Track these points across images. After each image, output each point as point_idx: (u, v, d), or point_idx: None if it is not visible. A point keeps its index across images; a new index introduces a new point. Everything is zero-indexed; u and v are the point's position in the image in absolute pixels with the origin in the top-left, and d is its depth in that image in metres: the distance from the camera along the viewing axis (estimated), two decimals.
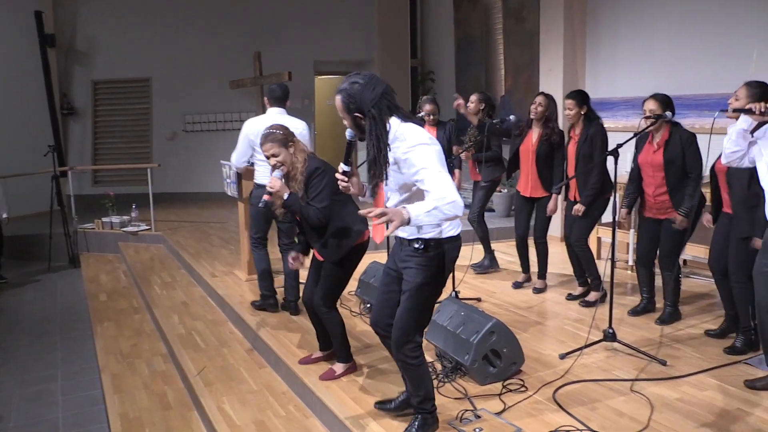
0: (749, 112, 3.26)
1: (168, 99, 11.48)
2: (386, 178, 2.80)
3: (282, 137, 3.65)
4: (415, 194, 2.78)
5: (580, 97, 4.88)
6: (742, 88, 3.71)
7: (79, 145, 11.54)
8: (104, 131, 11.67)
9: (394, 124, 2.75)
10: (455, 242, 2.92)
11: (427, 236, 2.84)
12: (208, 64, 11.28)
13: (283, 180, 3.64)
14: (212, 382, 4.24)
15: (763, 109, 3.20)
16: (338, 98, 2.79)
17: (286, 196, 3.56)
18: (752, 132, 3.36)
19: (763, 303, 3.42)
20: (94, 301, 6.72)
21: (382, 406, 3.36)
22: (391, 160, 2.75)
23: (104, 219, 9.12)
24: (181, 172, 11.47)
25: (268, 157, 3.66)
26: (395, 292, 3.03)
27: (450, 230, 2.88)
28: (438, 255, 2.87)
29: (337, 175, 2.89)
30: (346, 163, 2.88)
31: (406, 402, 3.27)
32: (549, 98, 5.15)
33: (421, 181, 2.64)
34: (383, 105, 2.74)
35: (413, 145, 2.67)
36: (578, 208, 4.83)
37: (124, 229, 8.96)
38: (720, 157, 4.01)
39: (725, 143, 3.47)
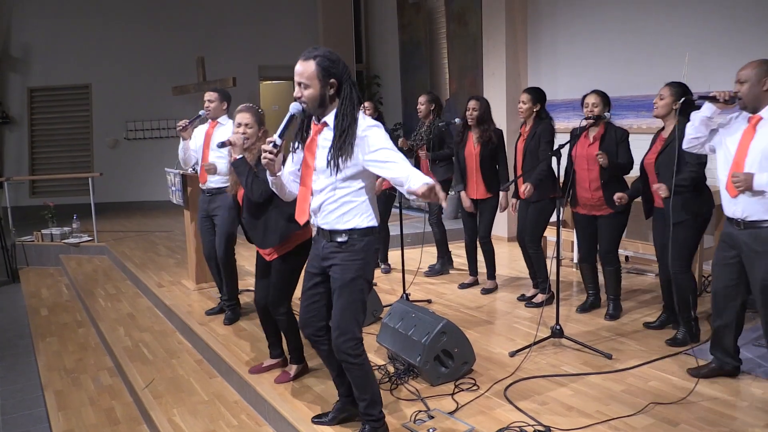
0: (713, 99, 3.35)
1: (109, 106, 11.20)
2: (349, 155, 2.72)
3: (260, 116, 3.82)
4: (351, 176, 2.77)
5: (536, 93, 4.94)
6: (665, 88, 4.05)
7: (15, 154, 11.15)
8: (42, 140, 11.30)
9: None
10: (374, 233, 2.89)
11: (348, 227, 2.81)
12: (150, 69, 11.06)
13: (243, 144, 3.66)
14: (162, 394, 4.15)
15: (727, 97, 3.30)
16: (312, 62, 2.70)
17: (238, 156, 3.54)
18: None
19: (720, 292, 3.53)
20: (36, 316, 6.49)
21: (320, 420, 3.28)
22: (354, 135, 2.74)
23: (44, 231, 8.81)
24: (124, 180, 11.21)
25: (239, 125, 3.71)
26: (321, 293, 2.98)
27: (370, 220, 2.85)
28: (363, 246, 2.84)
29: (264, 147, 2.77)
30: (280, 137, 2.76)
31: (342, 408, 3.24)
32: (481, 101, 5.25)
33: (384, 161, 2.68)
34: (353, 81, 2.80)
35: (370, 125, 2.73)
36: (527, 187, 4.71)
37: (66, 240, 8.68)
38: (648, 152, 4.19)
39: (688, 129, 3.55)
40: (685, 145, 3.64)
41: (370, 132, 2.71)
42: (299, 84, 2.74)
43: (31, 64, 10.99)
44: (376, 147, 2.69)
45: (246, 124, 3.71)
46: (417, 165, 5.95)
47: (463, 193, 5.39)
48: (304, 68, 2.72)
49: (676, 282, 4.10)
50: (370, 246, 2.87)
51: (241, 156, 3.55)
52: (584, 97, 4.51)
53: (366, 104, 6.06)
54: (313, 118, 2.84)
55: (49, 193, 10.95)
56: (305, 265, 3.12)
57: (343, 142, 2.70)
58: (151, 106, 11.24)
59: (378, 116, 6.12)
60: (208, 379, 4.36)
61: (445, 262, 6.19)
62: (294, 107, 2.76)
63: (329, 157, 2.74)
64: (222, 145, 3.62)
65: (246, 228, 3.73)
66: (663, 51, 6.05)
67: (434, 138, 5.75)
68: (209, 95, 5.13)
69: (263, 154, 2.76)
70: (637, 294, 5.28)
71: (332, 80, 2.73)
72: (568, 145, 4.22)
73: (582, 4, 6.88)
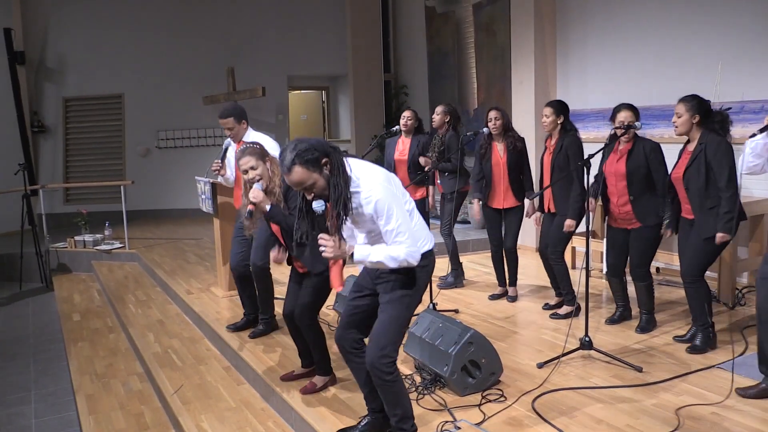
0: None
1: (141, 115, 11.40)
2: (349, 216, 2.78)
3: (259, 151, 3.74)
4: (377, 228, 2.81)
5: (559, 106, 4.91)
6: (679, 104, 4.00)
7: (50, 163, 11.40)
8: (76, 148, 11.54)
9: (349, 163, 2.78)
10: (429, 256, 2.94)
11: None
12: (181, 79, 11.24)
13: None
14: (190, 400, 4.19)
15: None
16: (296, 167, 2.67)
17: (268, 208, 3.56)
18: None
19: (763, 308, 3.45)
20: (68, 321, 6.61)
21: None
22: (354, 203, 2.76)
23: (77, 237, 9.00)
24: (155, 188, 11.38)
25: (245, 171, 3.68)
26: (363, 306, 3.03)
27: (425, 245, 2.90)
28: (412, 270, 2.89)
29: (320, 243, 2.75)
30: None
31: (372, 423, 3.23)
32: (501, 111, 5.26)
33: (386, 233, 2.75)
34: (335, 147, 2.79)
35: (370, 192, 2.72)
36: (570, 224, 4.74)
37: (98, 247, 8.84)
38: (675, 166, 4.13)
39: (746, 156, 3.63)
40: (745, 171, 3.70)
41: (373, 201, 2.72)
42: (306, 189, 2.76)
43: (66, 74, 11.24)
44: (380, 219, 2.74)
45: (252, 168, 3.65)
46: (432, 179, 5.93)
47: (475, 203, 5.40)
48: (297, 177, 2.70)
49: (688, 292, 4.12)
50: (424, 269, 2.93)
51: (269, 207, 3.55)
52: (615, 112, 4.43)
53: (406, 113, 6.02)
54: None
55: (82, 200, 11.17)
56: (358, 276, 3.17)
57: (340, 208, 2.72)
58: (182, 116, 11.42)
59: (419, 125, 6.05)
60: (236, 386, 4.39)
61: (458, 274, 6.10)
62: (317, 205, 2.77)
63: (330, 227, 2.79)
64: (251, 214, 3.56)
65: (293, 255, 3.75)
66: (694, 60, 5.97)
67: (444, 149, 5.70)
68: (224, 123, 4.93)
69: (322, 252, 2.74)
70: (668, 306, 5.19)
71: (323, 161, 2.71)
72: (597, 154, 4.17)
73: (612, 13, 6.82)
